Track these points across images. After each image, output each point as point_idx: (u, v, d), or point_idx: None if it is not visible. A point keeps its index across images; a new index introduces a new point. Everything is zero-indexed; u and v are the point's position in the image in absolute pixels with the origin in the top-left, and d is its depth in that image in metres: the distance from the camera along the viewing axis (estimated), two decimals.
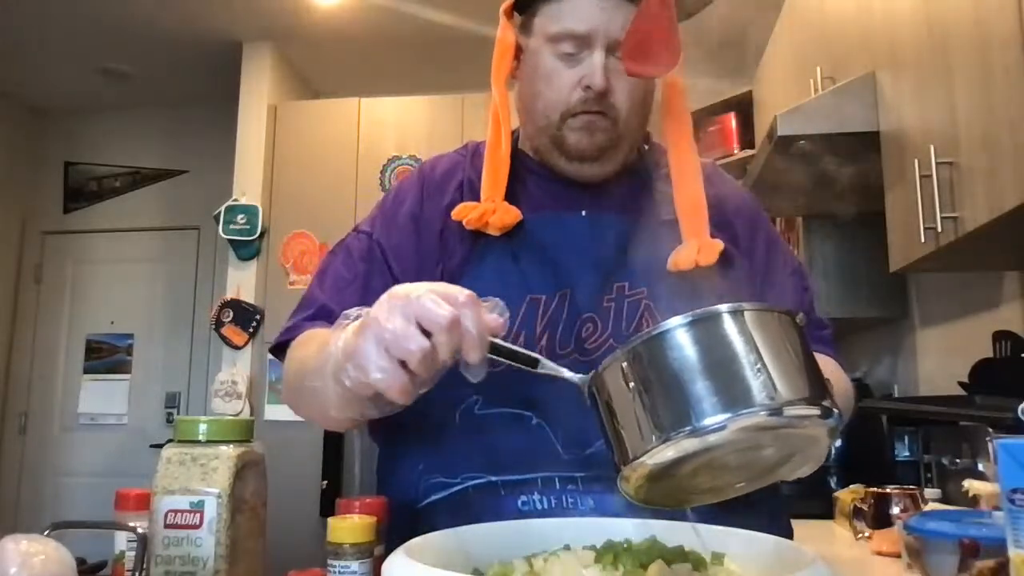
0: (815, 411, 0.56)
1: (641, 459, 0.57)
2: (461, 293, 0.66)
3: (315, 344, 0.84)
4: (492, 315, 0.68)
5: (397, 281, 0.91)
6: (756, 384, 0.55)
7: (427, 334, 0.64)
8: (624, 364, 0.59)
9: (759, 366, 0.56)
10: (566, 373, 0.67)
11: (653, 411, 0.57)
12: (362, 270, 0.97)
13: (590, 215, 0.95)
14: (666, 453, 0.56)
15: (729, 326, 0.58)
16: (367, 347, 0.65)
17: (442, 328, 0.64)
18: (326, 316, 0.93)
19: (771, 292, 0.98)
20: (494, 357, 0.68)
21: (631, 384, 0.59)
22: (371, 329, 0.65)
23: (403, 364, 0.64)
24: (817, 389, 0.58)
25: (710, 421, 0.54)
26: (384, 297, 0.67)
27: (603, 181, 0.98)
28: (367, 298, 0.76)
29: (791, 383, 0.56)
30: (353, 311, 0.73)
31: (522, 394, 0.86)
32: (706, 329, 0.58)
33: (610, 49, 0.91)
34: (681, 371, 0.57)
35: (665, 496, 0.63)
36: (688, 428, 0.54)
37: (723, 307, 0.58)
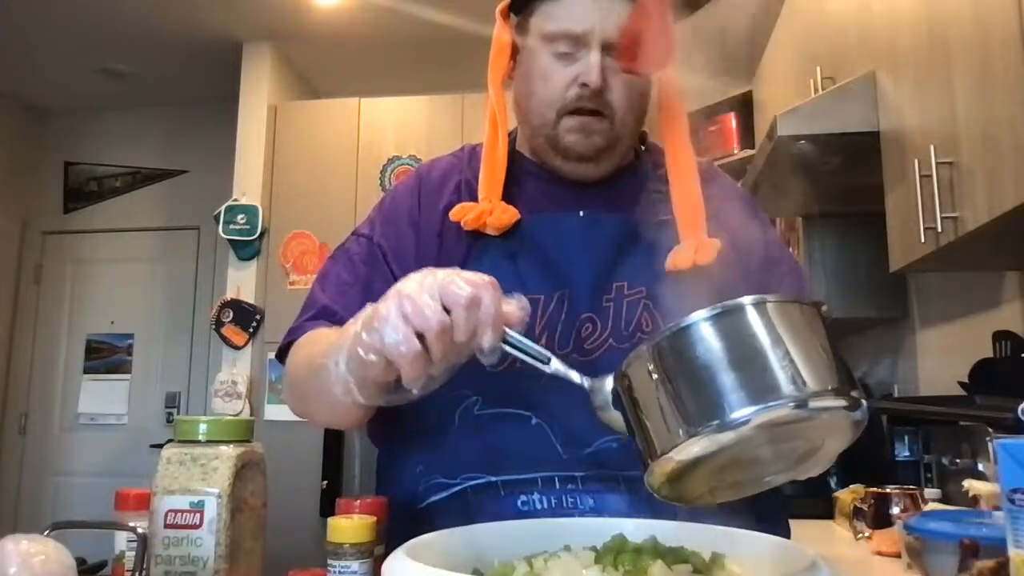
0: (842, 402, 0.56)
1: (669, 454, 0.57)
2: (483, 277, 0.68)
3: (323, 339, 0.85)
4: (511, 305, 0.69)
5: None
6: (783, 376, 0.55)
7: (447, 312, 0.66)
8: (649, 360, 0.59)
9: (785, 359, 0.55)
10: (575, 376, 0.67)
11: (680, 406, 0.56)
12: (363, 272, 0.97)
13: (588, 215, 0.95)
14: (694, 448, 0.55)
15: (753, 318, 0.57)
16: (387, 312, 0.66)
17: (461, 304, 0.65)
18: (329, 316, 0.94)
19: (767, 291, 0.98)
20: (507, 348, 0.69)
21: (657, 379, 0.58)
22: (393, 298, 0.67)
23: (420, 338, 0.65)
24: (844, 380, 0.57)
25: (738, 415, 0.54)
26: (411, 275, 0.69)
27: (600, 181, 0.98)
28: (369, 300, 0.76)
29: (818, 374, 0.56)
30: (368, 309, 0.74)
31: (521, 394, 0.86)
32: (730, 322, 0.57)
33: (606, 48, 0.91)
34: (707, 365, 0.56)
35: (691, 491, 0.63)
36: (716, 422, 0.54)
37: (746, 299, 0.58)
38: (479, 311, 0.66)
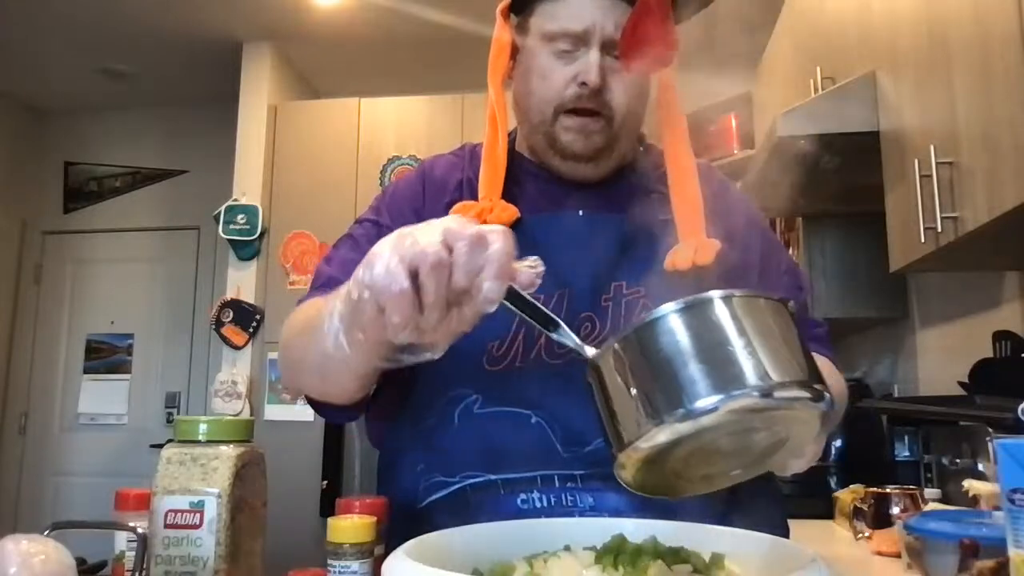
0: (806, 393, 0.57)
1: (635, 443, 0.57)
2: (496, 225, 0.62)
3: (322, 301, 0.80)
4: (522, 263, 0.63)
5: None
6: (747, 367, 0.56)
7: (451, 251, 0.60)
8: (618, 352, 0.60)
9: (750, 350, 0.56)
10: (575, 342, 0.64)
11: (646, 396, 0.57)
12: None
13: (587, 215, 0.95)
14: (659, 437, 0.56)
15: (720, 311, 0.58)
16: (382, 247, 0.61)
17: (464, 240, 0.59)
18: (334, 286, 0.91)
19: (765, 291, 0.99)
20: (510, 306, 0.63)
21: (625, 371, 0.59)
22: (392, 236, 0.62)
23: (414, 278, 0.59)
24: (808, 372, 0.58)
25: (702, 403, 0.55)
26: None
27: (600, 181, 0.98)
28: None
29: (782, 366, 0.57)
30: None
31: (521, 393, 0.86)
32: (697, 315, 0.58)
33: (606, 48, 0.91)
34: (673, 356, 0.57)
35: (661, 484, 0.63)
36: (681, 411, 0.55)
37: (714, 293, 0.59)
38: (484, 253, 0.59)
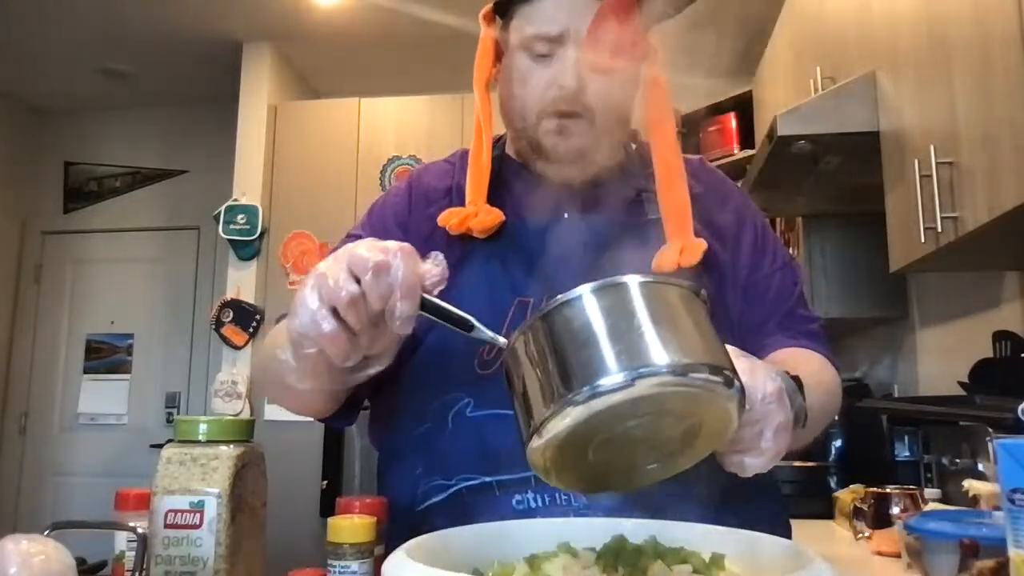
0: (715, 377, 0.56)
1: (538, 430, 0.57)
2: (395, 244, 0.67)
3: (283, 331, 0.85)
4: (427, 265, 0.68)
5: None
6: (655, 348, 0.55)
7: (359, 282, 0.65)
8: (526, 340, 0.60)
9: (658, 333, 0.56)
10: (500, 340, 0.67)
11: (550, 381, 0.57)
12: None
13: (574, 217, 0.95)
14: (566, 420, 0.56)
15: (629, 295, 0.58)
16: (305, 293, 0.67)
17: (368, 271, 0.65)
18: None
19: (758, 288, 0.98)
20: (425, 314, 0.67)
21: (533, 359, 0.59)
22: (311, 279, 0.67)
23: (336, 313, 0.65)
24: (717, 357, 0.58)
25: (606, 382, 0.54)
26: (331, 254, 0.69)
27: (587, 182, 0.97)
28: None
29: (691, 349, 0.57)
30: None
31: None
32: (607, 297, 0.58)
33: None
34: (582, 338, 0.57)
35: (580, 479, 0.64)
36: (586, 390, 0.54)
37: (624, 277, 0.59)
38: (388, 277, 0.65)
